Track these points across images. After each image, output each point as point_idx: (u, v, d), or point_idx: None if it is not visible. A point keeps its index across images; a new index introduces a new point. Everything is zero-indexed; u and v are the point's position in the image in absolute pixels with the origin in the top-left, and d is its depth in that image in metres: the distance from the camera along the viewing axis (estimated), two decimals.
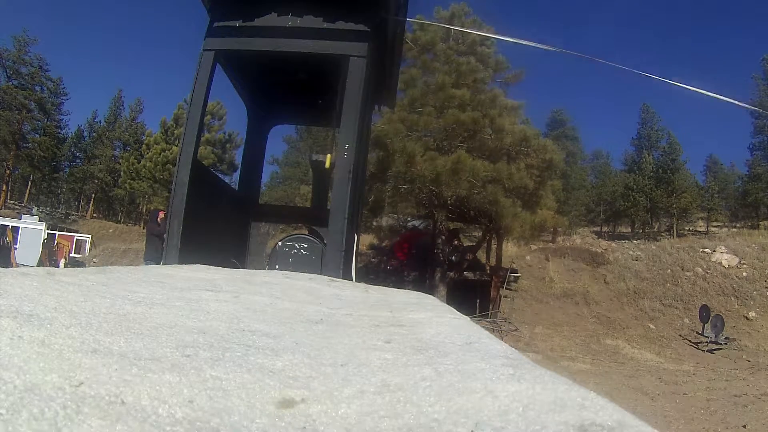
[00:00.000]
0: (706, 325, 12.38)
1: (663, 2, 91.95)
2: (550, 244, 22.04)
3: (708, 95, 3.32)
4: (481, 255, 15.80)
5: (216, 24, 3.31)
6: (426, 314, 1.33)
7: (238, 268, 3.77)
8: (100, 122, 40.16)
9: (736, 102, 3.61)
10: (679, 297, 14.51)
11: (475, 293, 14.28)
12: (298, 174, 28.50)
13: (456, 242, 14.80)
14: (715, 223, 33.23)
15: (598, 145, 71.08)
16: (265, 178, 32.16)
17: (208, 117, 25.82)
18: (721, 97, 3.37)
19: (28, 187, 38.19)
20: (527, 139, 12.21)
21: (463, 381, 0.65)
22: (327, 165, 3.85)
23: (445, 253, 13.31)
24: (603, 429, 0.47)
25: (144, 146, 28.54)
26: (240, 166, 5.40)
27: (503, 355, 0.80)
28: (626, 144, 53.70)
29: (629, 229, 34.80)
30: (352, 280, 3.05)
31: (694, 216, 34.01)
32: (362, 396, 0.61)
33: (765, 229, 24.42)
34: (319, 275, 2.46)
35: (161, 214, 7.16)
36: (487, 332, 1.08)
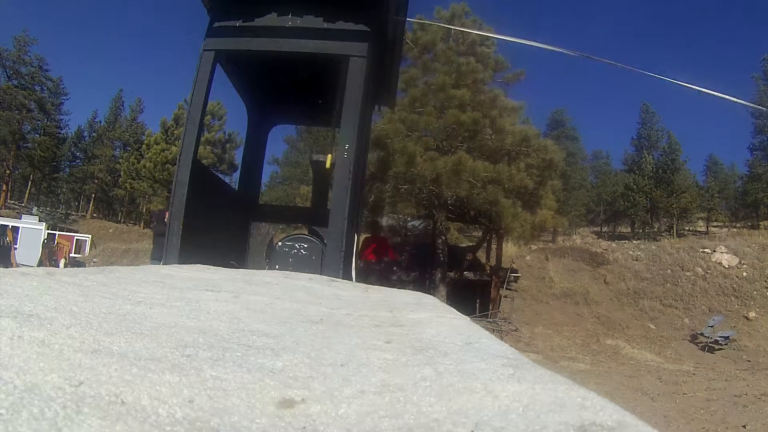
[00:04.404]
0: (706, 325, 12.40)
1: (662, 1, 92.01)
2: (550, 244, 22.05)
3: (709, 93, 3.32)
4: (481, 255, 15.81)
5: (216, 24, 3.30)
6: (426, 314, 1.33)
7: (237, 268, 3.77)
8: (100, 122, 40.18)
9: (735, 99, 3.61)
10: (679, 297, 14.51)
11: (475, 293, 14.29)
12: (298, 174, 28.48)
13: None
14: (715, 223, 33.23)
15: (598, 145, 71.14)
16: (265, 178, 32.17)
17: (208, 117, 25.84)
18: (722, 95, 3.37)
19: (28, 187, 38.19)
20: (527, 140, 12.21)
21: (463, 381, 0.65)
22: (327, 165, 3.85)
23: (445, 254, 13.32)
24: (603, 429, 0.47)
25: (144, 146, 28.57)
26: (240, 166, 5.40)
27: (503, 355, 0.80)
28: (626, 144, 53.68)
29: (629, 229, 34.80)
30: (352, 280, 3.05)
31: (694, 216, 34.00)
32: (362, 396, 0.61)
33: (765, 229, 24.42)
34: (319, 275, 2.46)
35: (167, 214, 7.25)
36: (487, 332, 1.08)
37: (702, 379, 8.57)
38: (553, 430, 0.48)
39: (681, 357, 11.32)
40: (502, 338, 5.90)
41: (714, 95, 3.34)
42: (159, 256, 7.15)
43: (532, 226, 11.87)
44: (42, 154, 34.26)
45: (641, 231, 33.23)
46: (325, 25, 3.22)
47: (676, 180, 31.82)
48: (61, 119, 37.18)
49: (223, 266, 2.36)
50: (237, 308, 1.18)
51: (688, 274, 15.20)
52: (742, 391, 7.49)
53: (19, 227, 16.71)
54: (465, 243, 18.31)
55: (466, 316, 1.37)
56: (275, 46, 3.30)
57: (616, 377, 8.47)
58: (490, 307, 13.41)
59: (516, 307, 14.05)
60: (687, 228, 32.80)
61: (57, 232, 21.36)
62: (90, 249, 22.93)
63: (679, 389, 7.66)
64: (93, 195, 38.72)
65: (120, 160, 33.81)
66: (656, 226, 34.34)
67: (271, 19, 3.25)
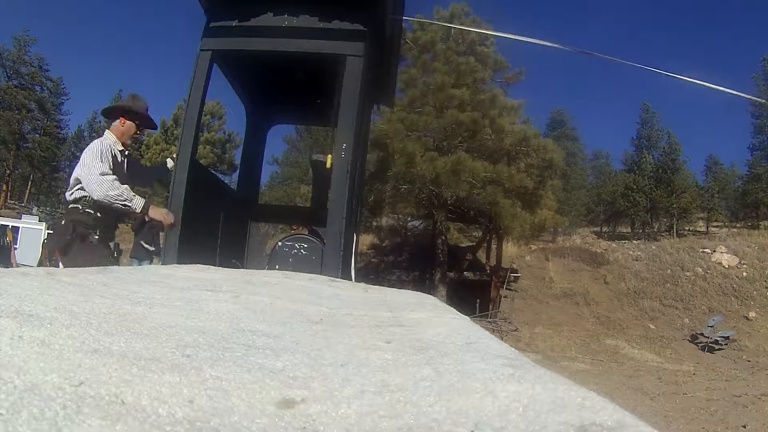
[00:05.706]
0: (706, 325, 12.41)
1: (663, 1, 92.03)
2: (550, 244, 22.03)
3: (710, 87, 3.32)
4: (481, 255, 15.81)
5: (213, 24, 3.31)
6: (426, 314, 1.33)
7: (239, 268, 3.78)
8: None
9: (737, 93, 3.62)
10: (679, 297, 14.51)
11: (475, 293, 14.28)
12: (298, 174, 28.45)
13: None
14: (715, 223, 33.23)
15: (598, 145, 71.07)
16: (265, 178, 32.10)
17: (208, 117, 25.83)
18: (723, 89, 3.37)
19: (28, 187, 38.15)
20: (527, 139, 12.22)
21: (463, 381, 0.65)
22: (327, 165, 3.84)
23: (445, 254, 13.33)
24: (603, 429, 0.47)
25: (143, 146, 28.53)
26: (239, 166, 5.40)
27: (503, 355, 0.80)
28: (626, 144, 53.73)
29: (629, 229, 34.76)
30: (351, 280, 3.05)
31: (694, 216, 33.97)
32: (362, 396, 0.61)
33: (765, 229, 24.43)
34: (319, 275, 2.46)
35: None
36: (487, 332, 1.08)
37: (702, 379, 8.57)
38: (553, 429, 0.48)
39: (681, 357, 11.32)
40: (502, 338, 5.90)
41: (712, 88, 3.34)
42: (137, 255, 7.91)
43: (532, 226, 11.88)
44: (42, 154, 34.24)
45: (641, 231, 33.21)
46: (321, 25, 3.22)
47: (676, 180, 31.81)
48: (61, 119, 37.17)
49: (223, 266, 2.36)
50: (237, 308, 1.18)
51: (688, 274, 15.21)
52: (742, 391, 7.49)
53: (19, 227, 16.68)
54: (465, 243, 18.31)
55: (466, 316, 1.37)
56: (272, 46, 3.30)
57: (616, 377, 8.47)
58: (490, 307, 13.41)
59: (516, 307, 14.05)
60: (687, 228, 32.78)
61: None
62: None
63: (679, 389, 7.65)
64: None
65: None
66: (656, 226, 34.32)
67: (267, 19, 3.25)
